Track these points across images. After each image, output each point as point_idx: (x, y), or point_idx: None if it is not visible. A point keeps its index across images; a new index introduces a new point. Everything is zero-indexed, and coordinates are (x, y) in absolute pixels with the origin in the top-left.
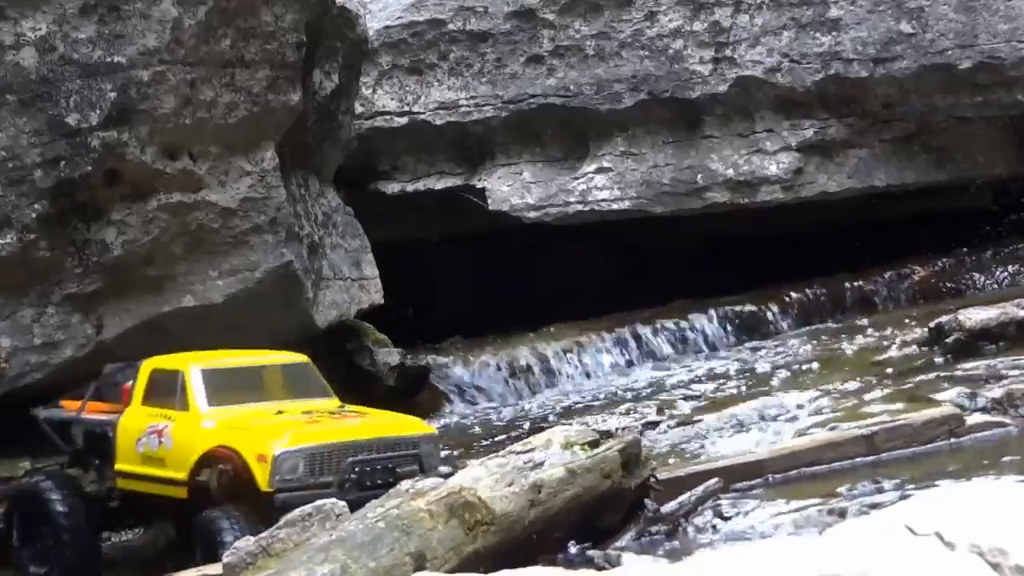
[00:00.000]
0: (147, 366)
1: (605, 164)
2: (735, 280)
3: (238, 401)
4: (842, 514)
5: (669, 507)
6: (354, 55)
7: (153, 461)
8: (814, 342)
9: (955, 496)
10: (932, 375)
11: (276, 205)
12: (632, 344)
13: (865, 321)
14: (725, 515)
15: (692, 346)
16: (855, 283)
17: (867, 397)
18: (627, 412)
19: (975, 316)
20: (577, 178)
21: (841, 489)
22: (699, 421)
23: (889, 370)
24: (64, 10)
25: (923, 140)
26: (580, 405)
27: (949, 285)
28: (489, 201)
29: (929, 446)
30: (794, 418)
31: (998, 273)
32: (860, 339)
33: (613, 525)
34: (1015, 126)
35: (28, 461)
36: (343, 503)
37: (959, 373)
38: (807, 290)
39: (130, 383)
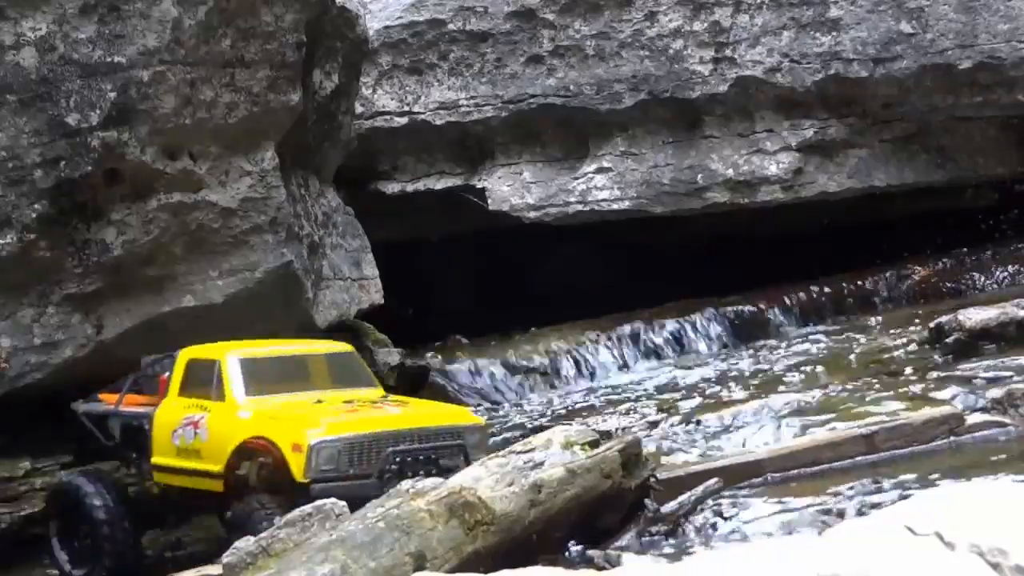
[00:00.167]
0: (184, 356)
1: (605, 164)
2: (735, 280)
3: (277, 391)
4: (842, 514)
5: (669, 507)
6: (354, 55)
7: (189, 454)
8: (814, 342)
9: (955, 496)
10: (932, 375)
11: (276, 205)
12: (632, 344)
13: (865, 321)
14: (725, 515)
15: (692, 346)
16: (855, 283)
17: (867, 397)
18: (627, 412)
19: (975, 316)
20: (577, 178)
21: (841, 489)
22: (699, 421)
23: (889, 370)
24: (64, 10)
25: (923, 140)
26: (580, 405)
27: (949, 285)
28: (489, 201)
29: (929, 445)
30: (794, 418)
31: (998, 273)
32: (860, 339)
33: (613, 525)
34: (1015, 126)
35: (28, 461)
36: (343, 503)
37: (959, 373)
38: (807, 290)
39: (167, 374)
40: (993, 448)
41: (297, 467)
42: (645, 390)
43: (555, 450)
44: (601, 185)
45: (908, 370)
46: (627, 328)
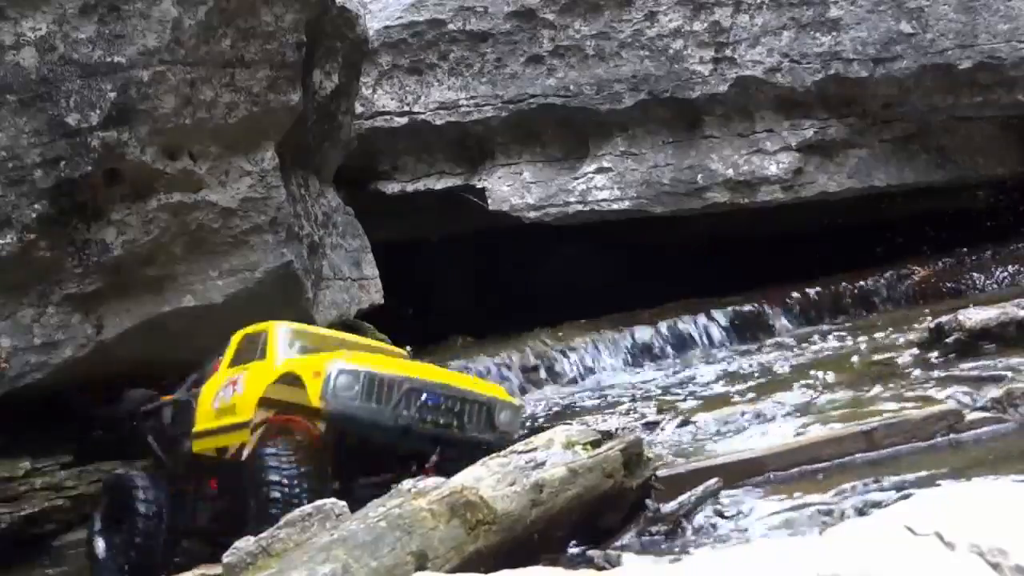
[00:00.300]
0: (237, 334)
1: (605, 164)
2: (735, 280)
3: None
4: (842, 514)
5: (669, 507)
6: (354, 55)
7: (225, 412)
8: (814, 342)
9: (955, 496)
10: (932, 375)
11: (276, 205)
12: (632, 344)
13: (865, 321)
14: (725, 514)
15: (692, 346)
16: (855, 283)
17: (867, 396)
18: (627, 412)
19: (975, 316)
20: (577, 178)
21: (841, 487)
22: (699, 421)
23: (889, 370)
24: (64, 10)
25: (923, 140)
26: (580, 405)
27: (949, 285)
28: (489, 201)
29: (929, 442)
30: (794, 417)
31: (998, 273)
32: (860, 339)
33: (614, 525)
34: (1015, 126)
35: (28, 461)
36: (343, 503)
37: (959, 373)
38: (807, 290)
39: (221, 356)
40: (993, 447)
41: (314, 392)
42: (645, 390)
43: (557, 450)
44: (601, 185)
45: (908, 370)
46: (627, 328)
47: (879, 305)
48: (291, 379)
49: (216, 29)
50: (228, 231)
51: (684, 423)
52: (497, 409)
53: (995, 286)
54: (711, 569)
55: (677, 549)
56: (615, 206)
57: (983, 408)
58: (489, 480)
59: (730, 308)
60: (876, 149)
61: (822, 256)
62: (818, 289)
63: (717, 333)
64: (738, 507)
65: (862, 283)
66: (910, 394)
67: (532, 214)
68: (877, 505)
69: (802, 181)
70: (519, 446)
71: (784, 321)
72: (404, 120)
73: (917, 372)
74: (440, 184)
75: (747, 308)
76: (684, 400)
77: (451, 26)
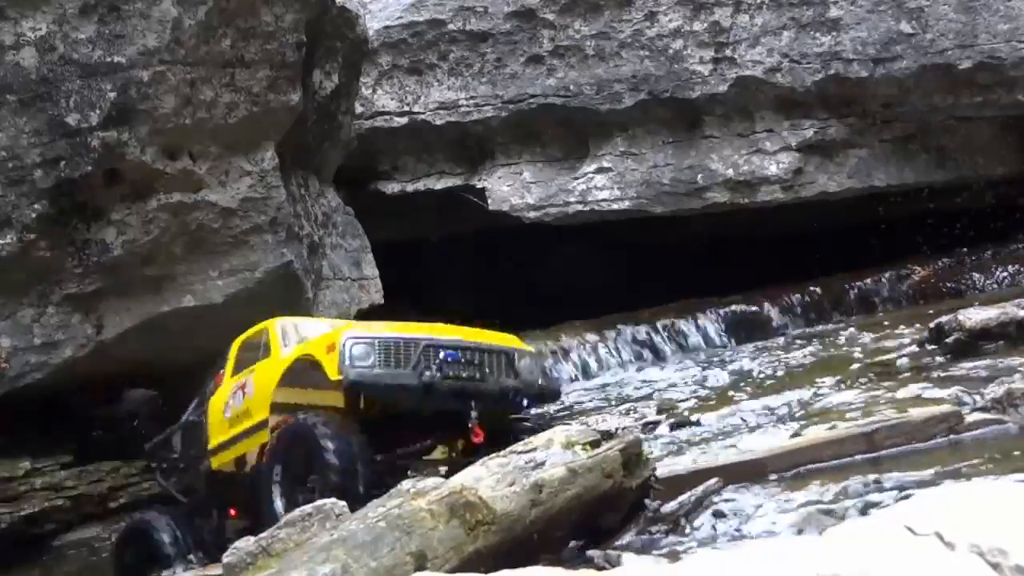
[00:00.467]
0: (236, 343)
1: (605, 164)
2: (735, 280)
3: None
4: (842, 514)
5: (669, 507)
6: (354, 55)
7: (239, 418)
8: (814, 342)
9: (955, 496)
10: (932, 375)
11: (276, 205)
12: (632, 344)
13: (865, 321)
14: (725, 514)
15: (692, 346)
16: (855, 283)
17: (867, 397)
18: (627, 412)
19: (975, 316)
20: (577, 178)
21: (841, 488)
22: (699, 421)
23: (889, 370)
24: (64, 10)
25: (923, 140)
26: (580, 405)
27: (949, 285)
28: (489, 201)
29: (929, 443)
30: (794, 417)
31: (998, 273)
32: (860, 339)
33: (614, 525)
34: (1015, 126)
35: (28, 461)
36: (343, 503)
37: (959, 373)
38: (807, 290)
39: (222, 370)
40: (993, 447)
41: (331, 367)
42: (645, 390)
43: (556, 450)
44: (601, 185)
45: (908, 370)
46: (627, 328)
47: (879, 305)
48: (304, 364)
49: (216, 29)
50: (228, 231)
51: (684, 423)
52: (517, 356)
53: (995, 286)
54: (711, 569)
55: (677, 549)
56: (615, 206)
57: (983, 408)
58: (488, 480)
59: (730, 308)
60: (876, 149)
61: (822, 256)
62: (818, 289)
63: (717, 333)
64: (738, 507)
65: (862, 283)
66: (910, 394)
67: (532, 214)
68: (877, 505)
69: (802, 181)
70: (518, 446)
71: (784, 321)
72: (404, 120)
73: (917, 372)
74: (440, 184)
75: (747, 308)
76: (684, 400)
77: (451, 26)
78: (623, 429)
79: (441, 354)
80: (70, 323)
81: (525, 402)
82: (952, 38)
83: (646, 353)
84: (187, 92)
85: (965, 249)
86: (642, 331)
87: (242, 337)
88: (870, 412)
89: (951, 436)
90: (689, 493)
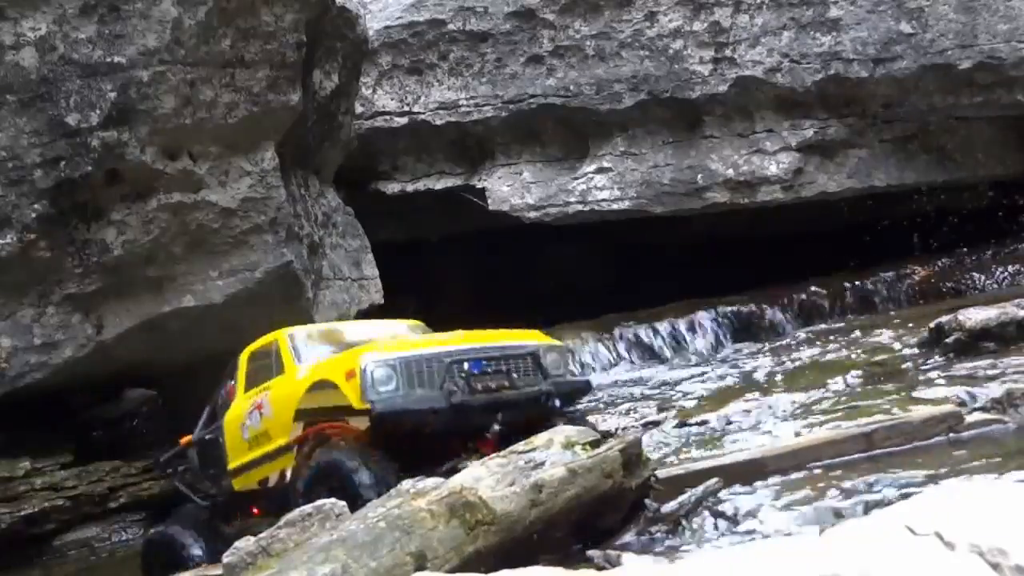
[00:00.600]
0: (244, 355)
1: (605, 164)
2: (735, 280)
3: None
4: (842, 514)
5: (669, 507)
6: (354, 55)
7: (258, 440)
8: (814, 342)
9: (955, 496)
10: (932, 375)
11: (276, 205)
12: (632, 344)
13: (865, 321)
14: (725, 514)
15: (692, 346)
16: (855, 283)
17: (867, 397)
18: (627, 412)
19: (975, 316)
20: (577, 178)
21: (841, 488)
22: (699, 421)
23: (889, 370)
24: (64, 10)
25: (923, 140)
26: (580, 405)
27: (949, 285)
28: (489, 201)
29: (929, 443)
30: (794, 417)
31: (998, 273)
32: (860, 339)
33: (614, 525)
34: (1015, 126)
35: (28, 461)
36: (343, 503)
37: (959, 373)
38: (807, 290)
39: (233, 381)
40: (993, 447)
41: (353, 394)
42: (645, 390)
43: (556, 450)
44: (601, 185)
45: (908, 370)
46: (627, 328)
47: (879, 305)
48: (322, 386)
49: (216, 29)
50: (228, 231)
51: (684, 423)
52: (543, 354)
53: (995, 286)
54: (711, 569)
55: (677, 549)
56: (615, 206)
57: (983, 408)
58: (488, 480)
59: (730, 308)
60: (876, 149)
61: (822, 256)
62: (818, 289)
63: (717, 333)
64: (738, 507)
65: (862, 283)
66: (910, 394)
67: (532, 214)
68: (877, 505)
69: (802, 181)
70: (518, 446)
71: (784, 321)
72: (404, 120)
73: (917, 372)
74: (440, 184)
75: (747, 308)
76: (684, 400)
77: (451, 26)
78: (623, 429)
79: (466, 366)
80: (70, 323)
81: (558, 403)
82: (952, 38)
83: (646, 353)
84: (187, 92)
85: (965, 249)
86: (642, 331)
87: (251, 348)
88: (870, 412)
89: (951, 436)
90: (689, 493)
